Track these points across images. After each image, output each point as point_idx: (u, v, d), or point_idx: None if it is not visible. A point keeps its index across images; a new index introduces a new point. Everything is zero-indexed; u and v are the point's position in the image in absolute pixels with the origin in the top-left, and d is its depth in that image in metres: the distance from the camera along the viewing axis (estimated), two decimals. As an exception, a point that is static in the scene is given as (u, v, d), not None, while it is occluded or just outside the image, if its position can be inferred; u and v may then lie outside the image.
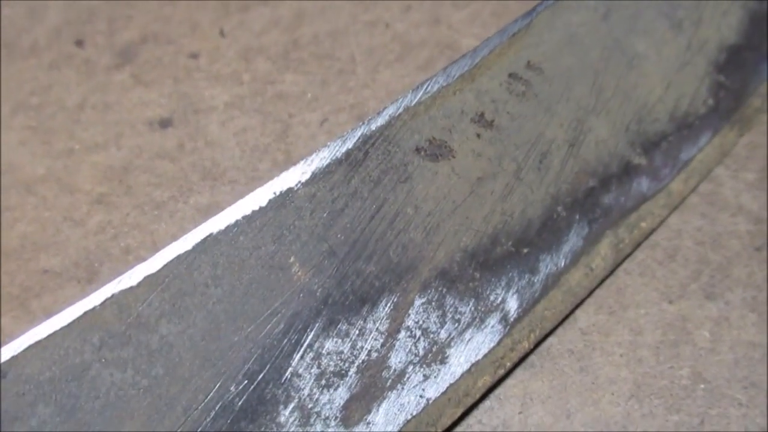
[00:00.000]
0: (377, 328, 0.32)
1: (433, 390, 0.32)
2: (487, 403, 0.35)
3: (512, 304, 0.35)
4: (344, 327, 0.32)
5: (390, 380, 0.32)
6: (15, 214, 0.41)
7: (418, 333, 0.33)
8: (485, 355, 0.33)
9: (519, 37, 0.40)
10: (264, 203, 0.33)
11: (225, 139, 0.44)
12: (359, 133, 0.35)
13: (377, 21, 0.49)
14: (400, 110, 0.36)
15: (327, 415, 0.30)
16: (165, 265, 0.31)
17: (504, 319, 0.34)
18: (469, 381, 0.33)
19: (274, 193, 0.33)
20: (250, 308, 0.31)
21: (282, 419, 0.30)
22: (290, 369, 0.31)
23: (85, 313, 0.29)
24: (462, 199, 0.35)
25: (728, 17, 0.45)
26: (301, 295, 0.32)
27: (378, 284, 0.33)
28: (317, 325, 0.31)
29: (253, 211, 0.32)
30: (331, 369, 0.31)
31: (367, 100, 0.45)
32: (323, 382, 0.31)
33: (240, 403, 0.30)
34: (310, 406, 0.30)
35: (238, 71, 0.47)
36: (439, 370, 0.33)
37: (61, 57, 0.47)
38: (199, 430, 0.29)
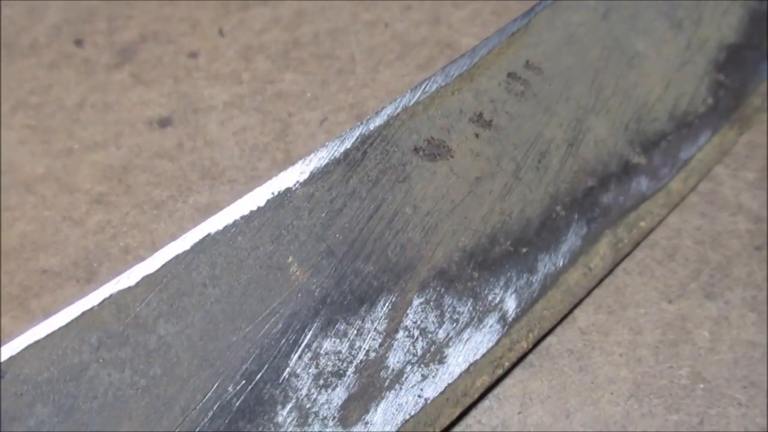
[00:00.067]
0: (375, 328, 0.32)
1: (432, 390, 0.32)
2: (486, 402, 0.35)
3: (511, 304, 0.35)
4: (342, 327, 0.32)
5: (388, 380, 0.32)
6: (14, 214, 0.41)
7: (417, 333, 0.33)
8: (483, 355, 0.33)
9: (518, 37, 0.40)
10: (262, 203, 0.33)
11: (224, 139, 0.43)
12: (357, 133, 0.35)
13: (377, 20, 0.49)
14: (399, 110, 0.36)
15: (325, 415, 0.30)
16: (163, 265, 0.31)
17: (502, 318, 0.34)
18: (467, 381, 0.33)
19: (273, 193, 0.33)
20: (249, 308, 0.31)
21: (280, 419, 0.30)
22: (288, 369, 0.31)
23: (84, 313, 0.29)
24: (460, 198, 0.35)
25: (728, 16, 0.45)
26: (300, 295, 0.32)
27: (376, 284, 0.33)
28: (315, 325, 0.31)
29: (252, 211, 0.32)
30: (329, 369, 0.31)
31: (366, 100, 0.45)
32: (321, 382, 0.31)
33: (238, 403, 0.30)
34: (308, 406, 0.30)
35: (237, 70, 0.47)
36: (437, 369, 0.32)
37: (60, 56, 0.47)
38: (197, 430, 0.29)
